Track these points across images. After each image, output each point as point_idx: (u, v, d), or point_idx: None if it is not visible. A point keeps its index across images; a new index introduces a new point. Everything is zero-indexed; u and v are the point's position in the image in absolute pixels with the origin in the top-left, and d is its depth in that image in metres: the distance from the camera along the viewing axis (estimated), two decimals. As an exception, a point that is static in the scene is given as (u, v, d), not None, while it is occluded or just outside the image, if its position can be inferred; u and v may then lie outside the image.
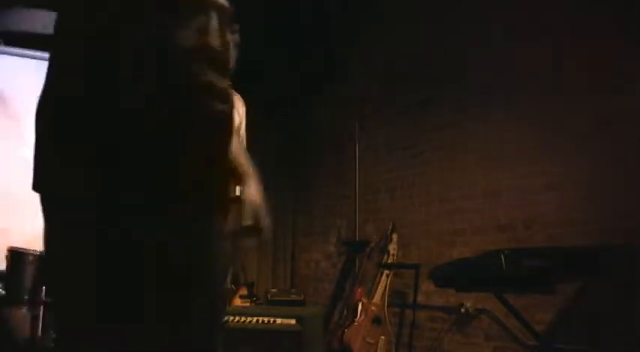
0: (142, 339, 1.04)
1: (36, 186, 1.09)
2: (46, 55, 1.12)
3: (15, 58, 4.73)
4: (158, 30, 1.06)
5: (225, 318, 3.31)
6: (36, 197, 1.09)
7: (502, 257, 1.98)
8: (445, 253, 3.70)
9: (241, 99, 2.49)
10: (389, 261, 4.01)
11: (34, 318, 3.58)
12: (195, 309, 1.06)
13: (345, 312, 4.48)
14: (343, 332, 3.86)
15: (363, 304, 3.90)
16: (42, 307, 3.48)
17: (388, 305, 3.99)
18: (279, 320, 3.35)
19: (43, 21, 4.55)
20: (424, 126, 4.11)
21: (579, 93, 2.99)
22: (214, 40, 1.13)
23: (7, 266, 3.60)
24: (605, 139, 2.84)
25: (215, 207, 1.12)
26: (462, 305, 3.54)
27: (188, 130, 1.06)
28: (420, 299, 3.83)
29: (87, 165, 1.03)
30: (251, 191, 1.30)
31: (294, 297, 4.93)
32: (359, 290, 4.05)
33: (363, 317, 3.87)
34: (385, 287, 3.99)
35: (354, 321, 3.87)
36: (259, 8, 4.57)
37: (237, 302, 4.61)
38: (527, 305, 2.87)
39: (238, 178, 1.30)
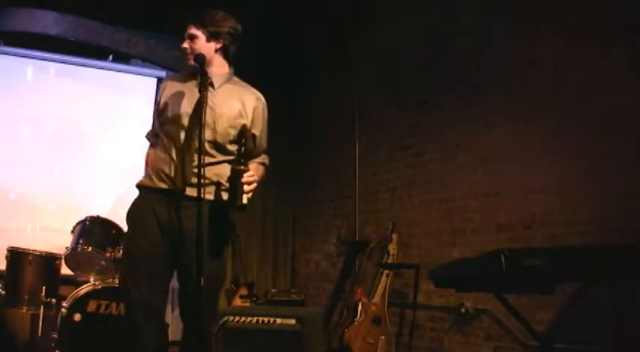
0: None
1: None
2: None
3: (15, 57, 4.73)
4: None
5: (225, 318, 3.31)
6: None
7: (502, 257, 1.97)
8: (445, 253, 3.70)
9: (256, 93, 2.41)
10: (389, 261, 4.00)
11: (34, 318, 3.58)
12: None
13: (345, 312, 4.48)
14: (343, 332, 3.85)
15: (363, 304, 3.90)
16: (42, 307, 3.48)
17: (388, 305, 3.99)
18: (279, 320, 3.34)
19: (43, 21, 4.54)
20: (424, 126, 4.11)
21: (579, 93, 2.99)
22: None
23: (7, 267, 3.59)
24: (606, 139, 2.84)
25: None
26: (461, 305, 3.54)
27: None
28: (420, 299, 3.82)
29: None
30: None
31: (294, 297, 4.93)
32: (359, 290, 4.05)
33: (363, 317, 3.86)
34: (385, 287, 3.99)
35: (354, 321, 3.86)
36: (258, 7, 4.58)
37: (237, 302, 4.60)
38: (527, 305, 2.87)
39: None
